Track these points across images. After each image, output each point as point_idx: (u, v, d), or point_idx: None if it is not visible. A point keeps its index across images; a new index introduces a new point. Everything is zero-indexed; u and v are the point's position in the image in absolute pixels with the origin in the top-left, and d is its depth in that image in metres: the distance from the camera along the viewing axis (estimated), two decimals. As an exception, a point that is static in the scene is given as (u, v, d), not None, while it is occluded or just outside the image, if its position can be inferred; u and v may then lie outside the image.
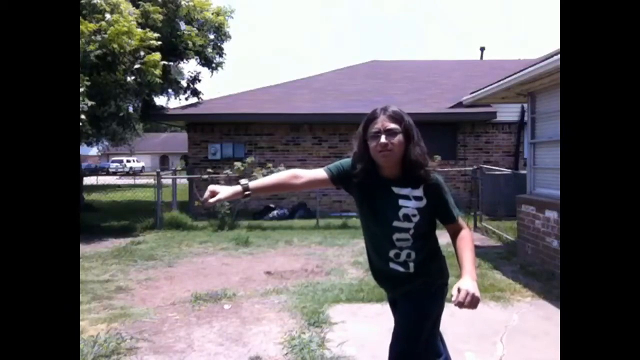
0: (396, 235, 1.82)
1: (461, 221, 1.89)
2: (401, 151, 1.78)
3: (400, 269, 1.86)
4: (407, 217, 1.80)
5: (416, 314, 1.87)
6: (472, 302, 1.62)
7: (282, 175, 1.88)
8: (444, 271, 1.96)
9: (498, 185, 9.35)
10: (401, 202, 1.80)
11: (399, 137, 1.76)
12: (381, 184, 1.84)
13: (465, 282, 1.66)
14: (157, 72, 8.57)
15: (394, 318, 2.07)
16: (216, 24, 11.85)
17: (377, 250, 1.92)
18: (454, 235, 1.88)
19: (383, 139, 1.75)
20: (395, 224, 1.81)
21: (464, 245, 1.81)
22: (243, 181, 1.81)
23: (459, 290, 1.63)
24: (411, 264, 1.85)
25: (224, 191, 1.76)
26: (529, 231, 6.00)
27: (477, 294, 1.64)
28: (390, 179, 1.83)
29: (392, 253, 1.85)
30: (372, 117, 1.82)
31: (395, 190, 1.81)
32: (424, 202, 1.80)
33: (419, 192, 1.80)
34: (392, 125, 1.76)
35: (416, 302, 1.87)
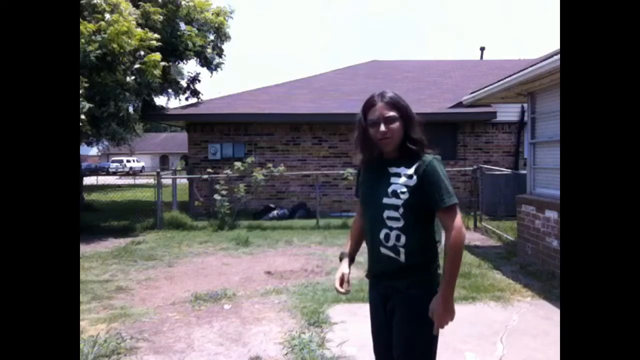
0: (386, 213, 1.83)
1: (452, 214, 1.77)
2: (400, 136, 1.83)
3: (391, 254, 1.83)
4: (395, 194, 1.81)
5: (416, 323, 1.83)
6: (441, 323, 1.75)
7: (353, 229, 2.14)
8: (439, 273, 1.86)
9: (498, 185, 9.35)
10: (392, 179, 1.84)
11: (397, 124, 1.82)
12: (380, 165, 1.90)
13: (432, 305, 1.77)
14: (157, 72, 8.57)
15: (372, 315, 2.12)
16: (216, 25, 11.85)
17: (371, 234, 1.92)
18: (445, 230, 1.83)
19: (382, 127, 1.81)
20: (385, 200, 1.83)
21: (445, 254, 1.77)
22: (341, 254, 2.10)
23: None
24: (401, 250, 1.81)
25: (343, 268, 2.03)
26: (529, 231, 6.00)
27: (441, 312, 1.74)
28: (388, 159, 1.89)
29: (382, 234, 1.84)
30: (370, 104, 1.86)
31: (390, 169, 1.86)
32: (414, 180, 1.80)
33: (410, 170, 1.82)
34: (390, 113, 1.81)
35: (414, 308, 1.84)
